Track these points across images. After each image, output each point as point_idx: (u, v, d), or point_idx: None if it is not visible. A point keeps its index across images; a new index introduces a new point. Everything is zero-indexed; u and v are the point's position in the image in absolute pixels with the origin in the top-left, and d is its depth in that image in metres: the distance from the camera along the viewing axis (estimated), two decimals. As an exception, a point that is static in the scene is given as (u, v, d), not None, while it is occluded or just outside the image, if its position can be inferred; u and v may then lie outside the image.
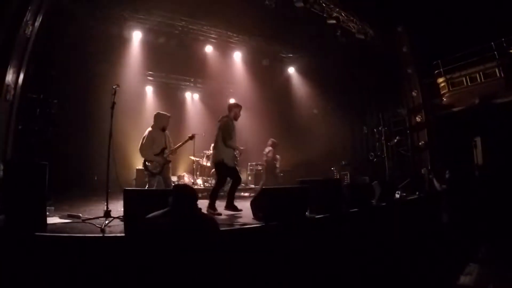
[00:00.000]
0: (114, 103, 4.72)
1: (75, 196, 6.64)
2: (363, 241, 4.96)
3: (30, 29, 4.30)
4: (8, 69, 3.99)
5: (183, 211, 2.90)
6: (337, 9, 8.68)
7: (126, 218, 3.54)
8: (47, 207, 3.92)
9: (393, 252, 5.16)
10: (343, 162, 8.57)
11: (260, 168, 10.75)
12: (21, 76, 4.29)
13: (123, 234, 3.40)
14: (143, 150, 5.82)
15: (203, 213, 3.26)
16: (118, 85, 4.84)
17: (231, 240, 3.68)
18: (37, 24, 4.38)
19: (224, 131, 5.75)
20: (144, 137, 5.83)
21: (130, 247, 3.26)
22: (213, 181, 9.00)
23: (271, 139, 9.30)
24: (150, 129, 5.92)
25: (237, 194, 6.13)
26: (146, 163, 5.86)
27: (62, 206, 5.14)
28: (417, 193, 7.25)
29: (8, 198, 3.24)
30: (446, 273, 4.32)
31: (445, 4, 8.27)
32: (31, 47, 4.40)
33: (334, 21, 8.62)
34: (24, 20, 4.12)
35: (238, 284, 3.00)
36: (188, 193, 2.97)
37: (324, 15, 8.56)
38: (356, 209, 5.47)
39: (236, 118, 6.11)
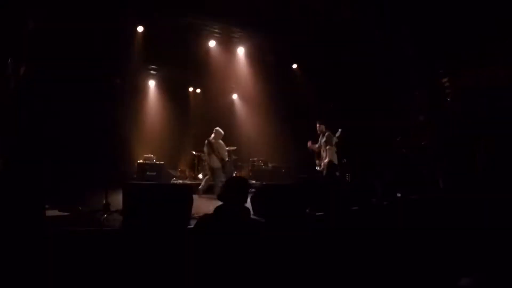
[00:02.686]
0: (115, 97, 4.73)
1: (75, 189, 6.63)
2: (363, 239, 4.94)
3: (32, 23, 4.28)
4: (8, 64, 3.97)
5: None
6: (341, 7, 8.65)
7: (124, 211, 3.54)
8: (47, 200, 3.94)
9: (394, 251, 5.13)
10: (344, 160, 8.53)
11: (262, 164, 10.77)
12: (21, 71, 4.28)
13: (121, 228, 3.40)
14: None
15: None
16: (119, 80, 4.85)
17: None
18: (37, 19, 4.36)
19: None
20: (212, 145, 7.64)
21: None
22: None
23: None
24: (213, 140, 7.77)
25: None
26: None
27: (62, 199, 5.14)
28: (419, 193, 7.21)
29: (7, 191, 3.24)
30: (447, 274, 4.28)
31: (450, 1, 8.18)
32: (32, 40, 4.38)
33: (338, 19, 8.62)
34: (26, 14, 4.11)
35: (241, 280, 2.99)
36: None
37: (328, 12, 8.53)
38: (356, 208, 5.46)
39: None
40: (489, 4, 7.55)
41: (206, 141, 7.71)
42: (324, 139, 7.66)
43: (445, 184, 7.15)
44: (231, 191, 2.94)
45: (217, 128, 8.07)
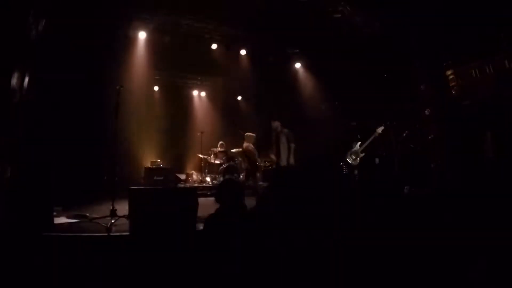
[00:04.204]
0: (118, 103, 4.76)
1: (83, 196, 6.69)
2: (371, 236, 4.91)
3: (34, 31, 4.33)
4: (13, 72, 4.02)
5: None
6: (342, 3, 8.60)
7: (131, 217, 3.56)
8: (55, 207, 3.99)
9: (400, 248, 5.09)
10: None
11: (269, 165, 10.75)
12: (26, 79, 4.33)
13: (128, 233, 3.42)
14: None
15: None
16: (122, 86, 4.89)
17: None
18: (40, 27, 4.41)
19: None
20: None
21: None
22: (221, 179, 9.04)
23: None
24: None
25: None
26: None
27: (70, 206, 5.19)
28: (426, 188, 7.16)
29: (15, 199, 3.28)
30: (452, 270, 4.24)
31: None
32: (35, 49, 4.43)
33: (339, 15, 8.56)
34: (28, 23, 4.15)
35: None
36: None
37: (330, 9, 8.49)
38: (365, 204, 5.44)
39: None
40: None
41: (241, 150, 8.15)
42: (284, 137, 7.41)
43: (452, 178, 7.07)
44: (225, 194, 3.12)
45: (247, 133, 8.29)
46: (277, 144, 7.43)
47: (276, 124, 7.47)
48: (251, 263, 2.95)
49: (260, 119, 11.25)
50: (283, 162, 7.24)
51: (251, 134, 8.24)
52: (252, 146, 8.18)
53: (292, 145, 7.34)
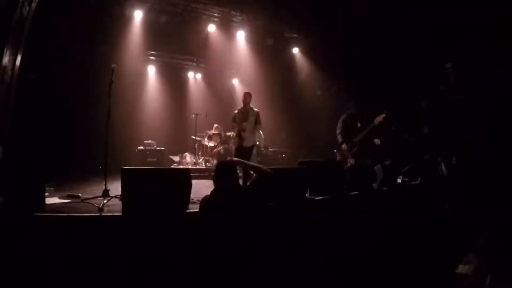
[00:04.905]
0: (112, 81, 4.68)
1: (75, 176, 6.65)
2: (362, 225, 4.95)
3: (27, 9, 4.20)
4: (5, 51, 3.92)
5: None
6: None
7: (123, 197, 3.53)
8: (47, 188, 3.95)
9: (392, 238, 5.16)
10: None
11: (263, 149, 10.74)
12: (19, 58, 4.22)
13: (120, 213, 3.40)
14: None
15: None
16: (115, 64, 4.81)
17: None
18: (34, 4, 4.28)
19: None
20: None
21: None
22: (215, 161, 9.02)
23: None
24: None
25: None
26: None
27: (62, 186, 5.16)
28: (419, 178, 7.20)
29: (6, 180, 3.23)
30: (444, 261, 4.31)
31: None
32: (28, 28, 4.31)
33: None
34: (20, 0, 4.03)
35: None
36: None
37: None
38: (356, 192, 5.47)
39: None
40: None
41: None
42: (253, 117, 6.70)
43: (446, 171, 7.12)
44: (222, 176, 3.14)
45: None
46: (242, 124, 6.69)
47: (248, 99, 6.75)
48: (248, 244, 2.97)
49: (256, 103, 11.22)
50: (248, 142, 6.65)
51: None
52: None
53: (258, 126, 6.82)
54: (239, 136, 6.62)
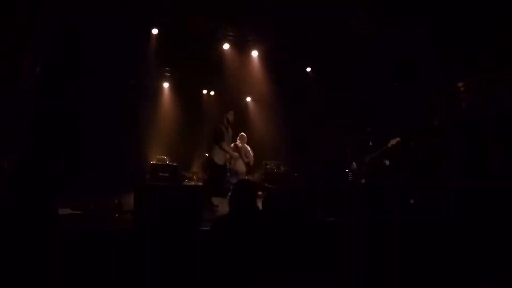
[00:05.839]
0: (130, 98, 4.77)
1: (88, 188, 6.70)
2: (374, 247, 4.85)
3: (48, 21, 4.35)
4: (25, 59, 4.04)
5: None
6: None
7: (135, 212, 3.56)
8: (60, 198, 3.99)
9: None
10: (354, 165, 8.38)
11: (274, 167, 10.72)
12: (38, 66, 4.35)
13: (132, 228, 3.42)
14: None
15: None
16: (134, 80, 4.91)
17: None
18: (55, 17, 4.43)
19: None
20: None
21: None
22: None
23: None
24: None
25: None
26: None
27: (75, 197, 5.20)
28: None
29: (20, 188, 3.29)
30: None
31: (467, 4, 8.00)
32: (49, 37, 4.45)
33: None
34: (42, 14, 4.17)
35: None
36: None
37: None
38: (369, 214, 5.38)
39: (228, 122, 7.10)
40: (507, 7, 7.36)
41: (232, 145, 7.72)
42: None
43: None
44: (241, 195, 3.06)
45: (242, 133, 8.33)
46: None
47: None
48: (258, 263, 2.92)
49: (269, 121, 11.27)
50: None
51: (243, 134, 8.34)
52: (245, 146, 8.29)
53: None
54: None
